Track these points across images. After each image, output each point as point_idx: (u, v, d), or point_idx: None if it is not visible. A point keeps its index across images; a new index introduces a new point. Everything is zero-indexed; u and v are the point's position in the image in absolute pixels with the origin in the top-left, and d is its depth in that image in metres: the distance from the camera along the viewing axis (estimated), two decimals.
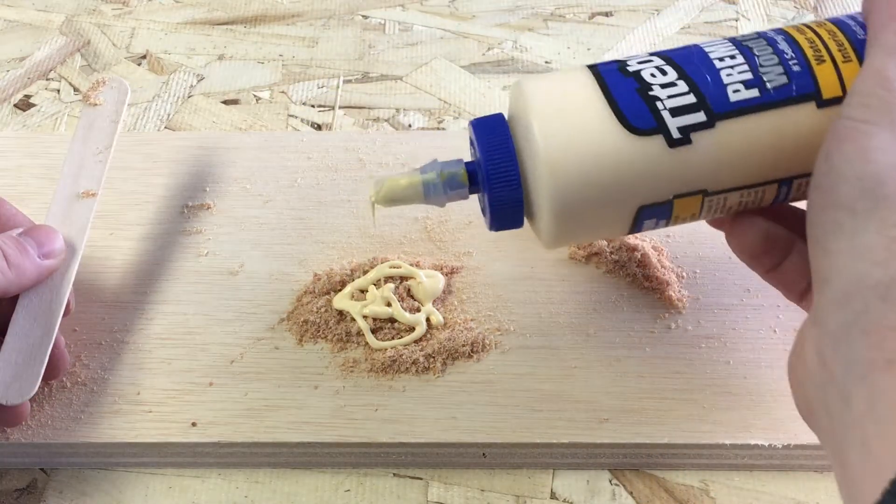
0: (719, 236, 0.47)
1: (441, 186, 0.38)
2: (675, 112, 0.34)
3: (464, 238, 0.48)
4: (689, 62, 0.35)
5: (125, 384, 0.42)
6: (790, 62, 0.35)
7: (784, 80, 0.34)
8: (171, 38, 0.64)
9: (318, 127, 0.57)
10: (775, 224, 0.37)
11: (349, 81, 0.60)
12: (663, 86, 0.35)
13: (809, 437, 0.39)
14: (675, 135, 0.34)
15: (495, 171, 0.36)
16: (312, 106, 0.59)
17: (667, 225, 0.37)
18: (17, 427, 0.40)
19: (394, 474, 0.41)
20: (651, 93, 0.35)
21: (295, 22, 0.65)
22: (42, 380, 0.37)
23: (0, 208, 0.41)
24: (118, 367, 0.42)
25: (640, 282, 0.45)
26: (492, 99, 0.59)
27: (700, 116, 0.34)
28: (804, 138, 0.34)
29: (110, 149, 0.45)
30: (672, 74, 0.35)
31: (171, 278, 0.46)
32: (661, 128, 0.34)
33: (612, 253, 0.46)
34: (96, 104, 0.46)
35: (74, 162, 0.44)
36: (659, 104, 0.34)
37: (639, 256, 0.46)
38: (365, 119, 0.58)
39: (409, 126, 0.57)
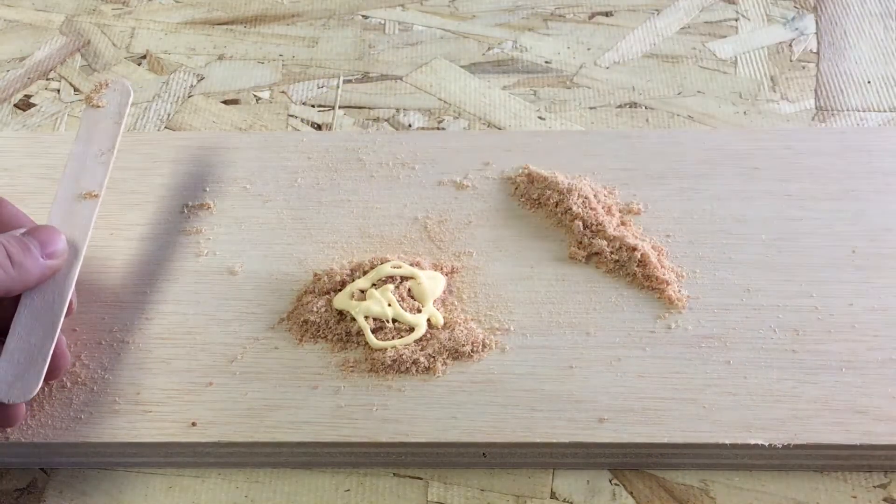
0: (719, 236, 0.47)
1: None
2: None
3: (464, 238, 0.48)
4: None
5: (125, 384, 0.42)
6: None
7: None
8: (171, 38, 0.64)
9: (318, 127, 0.57)
10: None
11: (349, 81, 0.60)
12: None
13: (809, 437, 0.39)
14: None
15: None
16: (312, 106, 0.59)
17: None
18: (16, 427, 0.40)
19: (394, 474, 0.41)
20: None
21: (295, 22, 0.65)
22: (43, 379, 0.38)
23: (2, 208, 0.41)
24: (118, 366, 0.42)
25: (640, 282, 0.45)
26: (492, 99, 0.59)
27: None
28: None
29: (112, 151, 0.44)
30: None
31: (170, 278, 0.46)
32: None
33: (612, 253, 0.46)
34: (99, 106, 0.46)
35: (76, 163, 0.44)
36: None
37: (639, 256, 0.46)
38: (365, 119, 0.58)
39: (409, 126, 0.57)
